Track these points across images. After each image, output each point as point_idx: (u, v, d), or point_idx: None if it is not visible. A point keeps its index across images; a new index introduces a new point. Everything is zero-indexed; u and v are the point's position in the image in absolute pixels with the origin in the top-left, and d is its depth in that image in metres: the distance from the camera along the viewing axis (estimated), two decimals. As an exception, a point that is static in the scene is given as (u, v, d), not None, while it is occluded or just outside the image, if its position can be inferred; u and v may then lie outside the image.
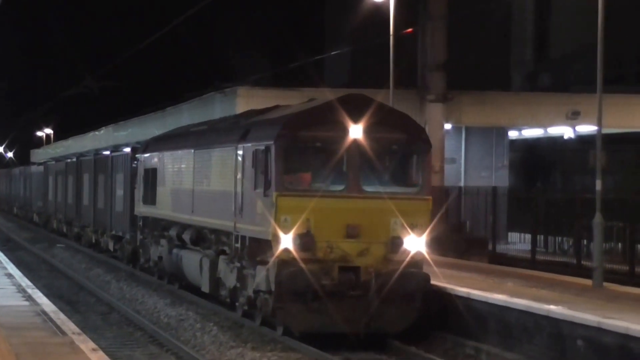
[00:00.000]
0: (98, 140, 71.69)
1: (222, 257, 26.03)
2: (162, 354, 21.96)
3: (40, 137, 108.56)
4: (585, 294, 22.08)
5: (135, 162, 36.31)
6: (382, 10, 39.86)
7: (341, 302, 21.63)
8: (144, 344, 23.31)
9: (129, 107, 66.51)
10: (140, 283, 35.13)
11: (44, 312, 20.28)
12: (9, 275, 28.30)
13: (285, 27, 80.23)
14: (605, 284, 24.36)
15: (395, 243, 21.94)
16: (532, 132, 47.02)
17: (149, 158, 34.72)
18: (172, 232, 30.92)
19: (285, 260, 21.54)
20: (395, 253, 21.92)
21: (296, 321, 21.89)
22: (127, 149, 40.10)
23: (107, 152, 46.19)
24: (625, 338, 17.41)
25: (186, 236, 29.26)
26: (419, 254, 22.13)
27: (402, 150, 22.79)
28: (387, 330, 22.17)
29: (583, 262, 28.20)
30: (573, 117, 39.51)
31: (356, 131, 21.93)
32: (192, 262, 28.47)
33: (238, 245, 24.27)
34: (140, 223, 35.95)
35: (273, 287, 21.81)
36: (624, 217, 28.87)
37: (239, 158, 24.26)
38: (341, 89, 36.72)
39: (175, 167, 31.01)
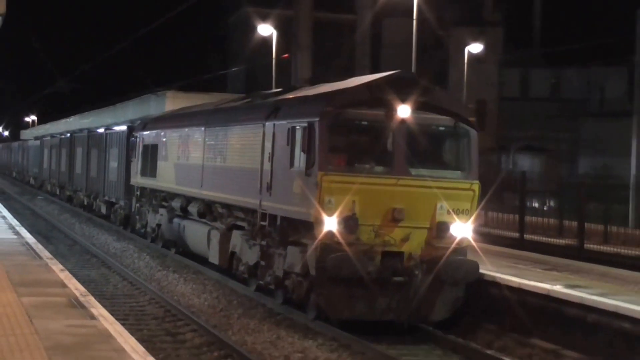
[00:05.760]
0: (69, 125, 70.38)
1: (237, 231, 19.08)
2: (110, 274, 21.92)
3: (27, 122, 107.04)
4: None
5: (133, 138, 30.12)
6: (269, 40, 40.61)
7: (384, 288, 14.96)
8: (97, 266, 23.27)
9: (91, 102, 65.60)
10: (96, 225, 34.97)
11: (27, 243, 20.16)
12: (3, 217, 27.98)
13: (201, 48, 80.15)
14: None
15: (441, 228, 15.17)
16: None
17: (149, 135, 27.64)
18: (175, 204, 23.94)
19: (329, 244, 14.74)
20: (440, 239, 15.17)
21: (336, 308, 15.04)
22: (123, 127, 34.23)
23: (101, 130, 39.24)
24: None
25: (192, 208, 22.36)
26: (464, 240, 15.35)
27: (450, 133, 15.76)
28: (432, 319, 15.42)
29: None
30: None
31: (404, 111, 15.13)
32: (198, 233, 21.77)
33: (265, 223, 17.07)
34: (138, 192, 29.08)
35: (314, 272, 15.01)
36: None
37: (268, 136, 17.14)
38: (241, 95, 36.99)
39: (181, 143, 23.87)
